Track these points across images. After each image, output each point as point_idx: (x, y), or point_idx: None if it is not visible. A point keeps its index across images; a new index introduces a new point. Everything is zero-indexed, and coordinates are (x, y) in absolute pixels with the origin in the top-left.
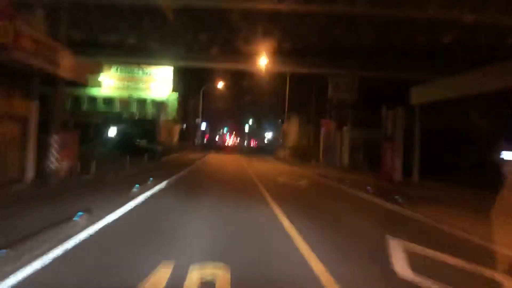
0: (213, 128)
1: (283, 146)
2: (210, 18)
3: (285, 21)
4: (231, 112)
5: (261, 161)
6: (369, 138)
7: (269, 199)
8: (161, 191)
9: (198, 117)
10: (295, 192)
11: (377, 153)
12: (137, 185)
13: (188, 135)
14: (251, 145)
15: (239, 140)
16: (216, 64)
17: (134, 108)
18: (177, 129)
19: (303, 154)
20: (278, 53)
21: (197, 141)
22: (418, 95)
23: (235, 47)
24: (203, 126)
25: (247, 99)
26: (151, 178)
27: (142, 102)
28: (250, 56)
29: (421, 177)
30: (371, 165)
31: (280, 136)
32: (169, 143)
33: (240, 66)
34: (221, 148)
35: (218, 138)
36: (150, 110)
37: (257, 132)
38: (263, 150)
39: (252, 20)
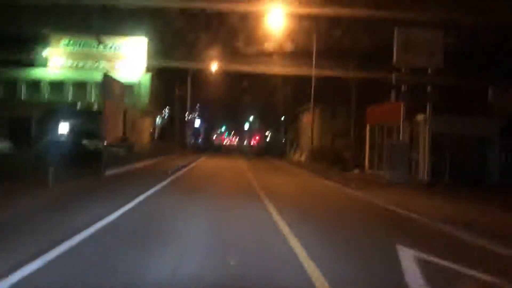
0: (210, 126)
1: (299, 147)
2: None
3: None
4: (230, 108)
5: (276, 170)
6: (463, 135)
7: None
8: None
9: (190, 111)
10: None
11: (477, 159)
12: None
13: (174, 133)
14: (252, 145)
15: (239, 140)
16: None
17: (92, 96)
18: (148, 123)
19: (332, 158)
20: None
21: (189, 141)
22: None
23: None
24: (197, 123)
25: (248, 92)
26: None
27: None
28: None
29: None
30: (467, 180)
31: (292, 133)
32: (136, 143)
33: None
34: (217, 149)
35: (216, 138)
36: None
37: (258, 130)
38: (268, 151)
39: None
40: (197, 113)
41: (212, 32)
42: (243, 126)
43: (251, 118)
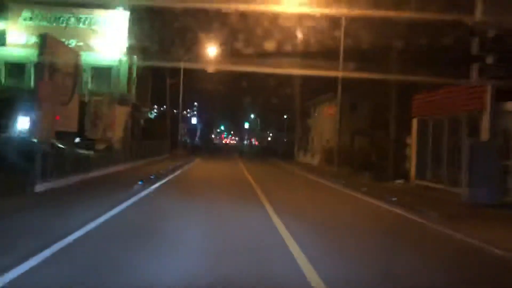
0: (208, 125)
1: (309, 147)
2: None
3: None
4: (230, 106)
5: (290, 179)
6: None
7: None
8: None
9: (184, 107)
10: None
11: None
12: None
13: (165, 130)
14: (253, 144)
15: (239, 139)
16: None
17: None
18: (124, 116)
19: (361, 162)
20: None
21: (182, 139)
22: None
23: None
24: (194, 120)
25: (248, 90)
26: None
27: None
28: None
29: None
30: None
31: (301, 132)
32: (104, 140)
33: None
34: (215, 149)
35: (214, 137)
36: (90, 83)
37: (259, 129)
38: (270, 152)
39: None
40: (194, 111)
41: (216, 28)
42: (243, 125)
43: (251, 116)
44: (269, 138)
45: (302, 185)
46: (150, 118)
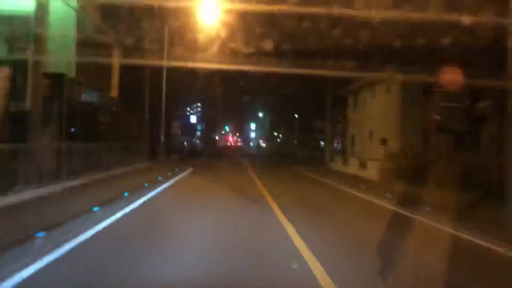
0: (212, 126)
1: (354, 151)
2: None
3: None
4: (234, 106)
5: (387, 231)
6: None
7: None
8: None
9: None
10: None
11: None
12: None
13: (142, 131)
14: (260, 146)
15: (244, 141)
16: None
17: None
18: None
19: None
20: None
21: (163, 140)
22: None
23: None
24: (193, 119)
25: (254, 87)
26: None
27: None
28: None
29: None
30: None
31: (333, 129)
32: None
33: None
34: (217, 153)
35: (219, 139)
36: None
37: (268, 129)
38: (287, 157)
39: None
40: (198, 110)
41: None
42: (249, 126)
43: (259, 115)
44: (278, 140)
45: (427, 252)
46: (121, 114)
